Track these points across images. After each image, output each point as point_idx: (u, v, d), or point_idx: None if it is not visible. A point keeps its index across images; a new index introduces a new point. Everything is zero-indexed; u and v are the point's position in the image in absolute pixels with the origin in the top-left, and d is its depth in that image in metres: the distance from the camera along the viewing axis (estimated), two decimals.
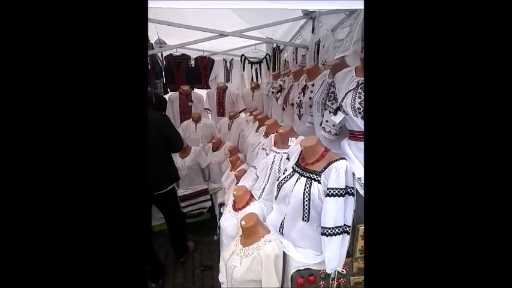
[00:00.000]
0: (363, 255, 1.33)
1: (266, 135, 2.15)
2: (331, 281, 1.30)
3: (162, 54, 3.62)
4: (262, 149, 2.00)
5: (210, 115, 3.82)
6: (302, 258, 1.31)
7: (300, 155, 1.45)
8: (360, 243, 1.31)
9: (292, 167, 1.43)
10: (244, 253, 1.35)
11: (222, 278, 1.50)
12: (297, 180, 1.34)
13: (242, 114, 3.64)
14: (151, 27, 2.52)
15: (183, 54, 3.75)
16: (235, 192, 1.74)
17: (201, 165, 3.23)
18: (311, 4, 0.96)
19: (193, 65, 3.71)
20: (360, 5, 1.00)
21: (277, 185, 1.46)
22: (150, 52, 2.85)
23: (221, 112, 3.64)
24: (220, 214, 2.68)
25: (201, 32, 2.78)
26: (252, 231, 1.37)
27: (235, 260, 1.36)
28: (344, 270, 1.28)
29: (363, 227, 1.29)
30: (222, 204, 2.84)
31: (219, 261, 2.90)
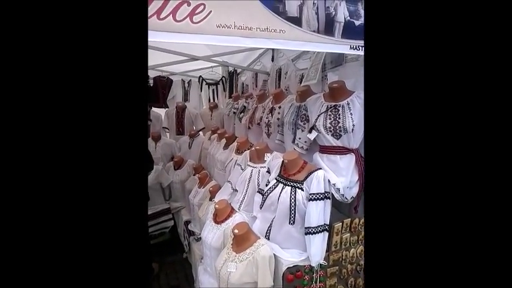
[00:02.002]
0: (337, 248, 1.59)
1: (238, 151, 2.32)
2: (313, 274, 1.52)
3: None
4: (237, 164, 2.17)
5: (168, 134, 3.83)
6: (290, 257, 1.51)
7: (281, 167, 1.67)
8: (335, 238, 1.57)
9: (276, 179, 1.64)
10: (238, 259, 1.48)
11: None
12: (282, 189, 1.56)
13: (201, 133, 3.74)
14: None
15: None
16: (217, 206, 1.85)
17: (163, 184, 3.21)
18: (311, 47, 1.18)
19: (151, 84, 3.72)
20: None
21: (263, 195, 1.64)
22: None
23: (180, 131, 3.68)
24: (189, 231, 2.71)
25: (163, 53, 2.89)
26: (244, 238, 1.52)
27: (230, 266, 1.48)
28: (325, 262, 1.52)
29: (337, 225, 1.56)
30: (188, 222, 2.87)
31: (185, 280, 2.89)
